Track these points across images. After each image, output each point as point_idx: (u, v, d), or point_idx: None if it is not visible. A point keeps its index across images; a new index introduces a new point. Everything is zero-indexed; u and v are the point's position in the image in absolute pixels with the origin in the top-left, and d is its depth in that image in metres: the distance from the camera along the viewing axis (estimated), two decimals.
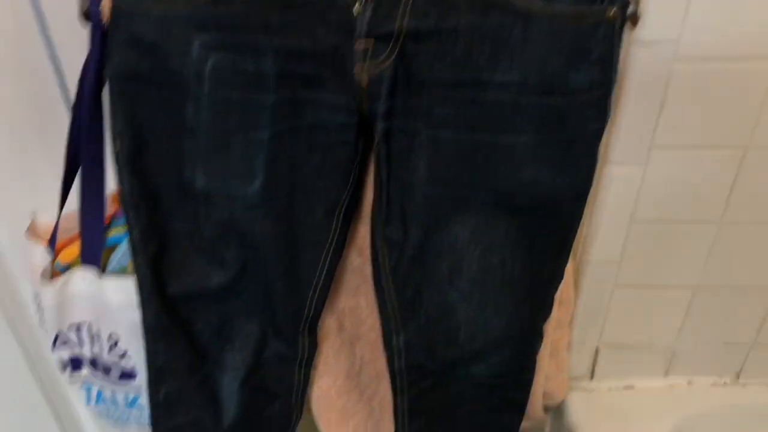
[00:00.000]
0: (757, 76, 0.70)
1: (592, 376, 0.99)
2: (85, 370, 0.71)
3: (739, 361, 0.97)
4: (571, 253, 0.81)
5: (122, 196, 0.61)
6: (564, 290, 0.82)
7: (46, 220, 0.72)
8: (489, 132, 0.59)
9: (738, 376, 0.99)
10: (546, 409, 0.98)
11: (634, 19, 0.57)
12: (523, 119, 0.58)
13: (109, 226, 0.68)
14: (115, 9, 0.56)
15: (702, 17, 0.66)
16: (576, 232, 0.67)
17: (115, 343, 0.68)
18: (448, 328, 0.70)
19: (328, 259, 0.69)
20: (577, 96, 0.57)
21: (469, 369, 0.75)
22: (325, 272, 0.69)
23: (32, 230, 0.70)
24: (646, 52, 0.69)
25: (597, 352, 0.96)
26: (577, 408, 0.97)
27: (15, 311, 0.86)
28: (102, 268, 0.66)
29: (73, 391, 0.93)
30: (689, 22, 0.67)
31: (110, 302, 0.65)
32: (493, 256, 0.67)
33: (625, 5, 0.56)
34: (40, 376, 0.90)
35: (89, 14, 0.58)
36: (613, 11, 0.55)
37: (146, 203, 0.61)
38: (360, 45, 0.57)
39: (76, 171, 0.65)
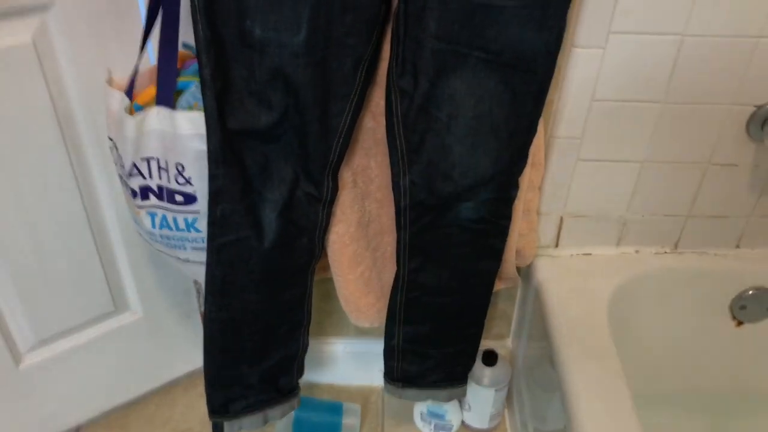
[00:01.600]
0: None
1: (557, 245, 1.18)
2: (153, 199, 0.87)
3: (678, 232, 1.17)
4: (542, 130, 1.00)
5: (197, 41, 0.77)
6: (536, 154, 1.01)
7: (120, 77, 0.88)
8: None
9: (676, 245, 1.19)
10: (518, 270, 1.17)
11: None
12: None
13: (178, 74, 0.83)
14: None
15: None
16: (548, 88, 0.85)
17: (181, 171, 0.84)
18: (446, 167, 0.88)
19: (352, 109, 0.86)
20: None
21: (460, 209, 0.93)
22: (348, 121, 0.87)
23: (109, 82, 0.86)
24: None
25: (561, 221, 1.15)
26: (544, 270, 1.17)
27: (79, 167, 1.02)
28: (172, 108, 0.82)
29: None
30: None
31: (180, 133, 0.82)
32: (483, 106, 0.84)
33: None
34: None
35: None
36: None
37: (215, 48, 0.77)
38: None
39: (153, 25, 0.81)
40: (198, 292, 1.29)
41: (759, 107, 1.01)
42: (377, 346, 1.15)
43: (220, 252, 0.89)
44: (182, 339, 1.34)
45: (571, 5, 0.80)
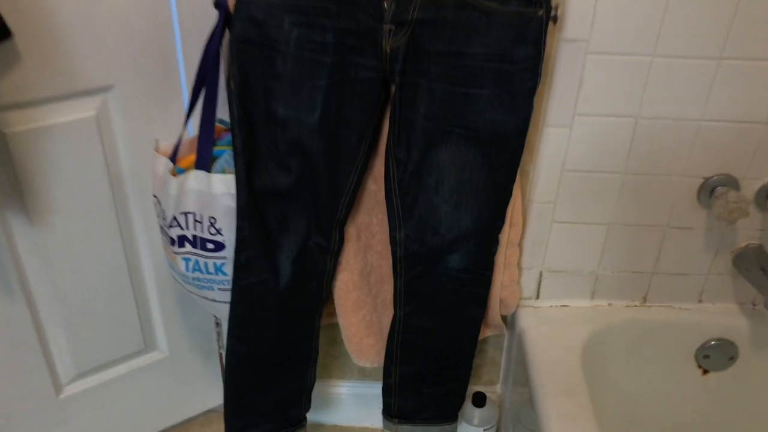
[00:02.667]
0: (640, 66, 1.07)
1: (537, 296, 1.33)
2: (188, 246, 1.04)
3: (645, 287, 1.32)
4: (521, 195, 1.17)
5: (231, 118, 0.96)
6: (514, 215, 1.17)
7: (165, 145, 1.07)
8: (464, 86, 0.95)
9: (645, 299, 1.33)
10: (504, 319, 1.31)
11: (555, 19, 0.94)
12: (485, 78, 0.94)
13: (214, 144, 1.02)
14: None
15: (603, 25, 1.03)
16: (519, 160, 1.03)
17: (213, 223, 1.01)
18: (434, 223, 1.05)
19: (357, 174, 1.03)
20: (519, 64, 0.94)
21: (447, 260, 1.09)
22: (354, 184, 1.04)
23: (156, 149, 1.05)
24: (568, 47, 1.05)
25: (541, 276, 1.31)
26: (526, 319, 1.31)
27: (124, 220, 1.19)
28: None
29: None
30: (595, 29, 1.04)
31: (214, 192, 0.99)
32: (465, 174, 1.02)
33: (549, 9, 0.93)
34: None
35: (218, 4, 0.94)
36: (541, 12, 0.92)
37: (246, 124, 0.96)
38: (386, 27, 0.93)
39: (195, 105, 1.00)
40: (218, 334, 1.44)
41: (706, 179, 1.17)
42: (377, 389, 1.29)
43: (242, 292, 1.05)
44: (201, 378, 1.48)
45: (540, 93, 0.98)
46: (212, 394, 1.52)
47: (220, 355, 1.48)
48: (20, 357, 1.20)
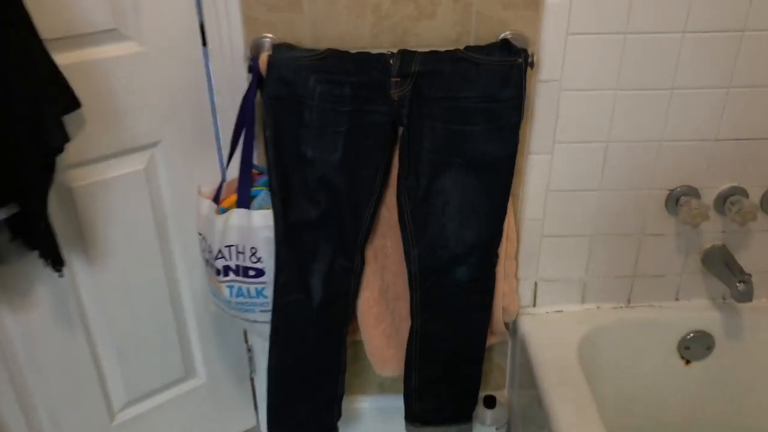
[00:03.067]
0: (606, 99, 1.26)
1: (534, 304, 1.50)
2: (231, 275, 1.21)
3: (628, 290, 1.50)
4: (513, 214, 1.35)
5: (268, 161, 1.14)
6: (509, 231, 1.35)
7: (206, 190, 1.24)
8: (461, 124, 1.14)
9: (629, 301, 1.51)
10: (507, 326, 1.48)
11: (532, 65, 1.14)
12: (478, 116, 1.13)
13: (252, 185, 1.19)
14: (269, 62, 1.11)
15: (572, 67, 1.23)
16: (510, 183, 1.21)
17: (254, 253, 1.18)
18: (443, 240, 1.23)
19: (374, 203, 1.21)
20: (505, 103, 1.13)
21: (456, 272, 1.27)
22: (372, 212, 1.22)
23: (200, 193, 1.22)
24: (545, 86, 1.25)
25: (536, 285, 1.48)
26: (526, 325, 1.48)
27: (167, 258, 1.36)
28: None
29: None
30: (565, 70, 1.23)
31: (254, 226, 1.16)
32: (466, 196, 1.20)
33: (527, 57, 1.13)
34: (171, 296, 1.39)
35: (251, 67, 1.13)
36: (520, 60, 1.12)
37: (280, 166, 1.14)
38: (393, 80, 1.12)
39: (234, 153, 1.18)
40: (250, 359, 1.59)
41: (671, 190, 1.36)
42: (396, 402, 1.44)
43: (281, 310, 1.22)
44: (235, 402, 1.63)
45: (524, 126, 1.18)
46: (246, 418, 1.67)
47: (252, 379, 1.63)
48: (79, 386, 1.35)
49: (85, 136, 1.15)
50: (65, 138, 1.00)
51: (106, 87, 1.14)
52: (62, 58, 1.05)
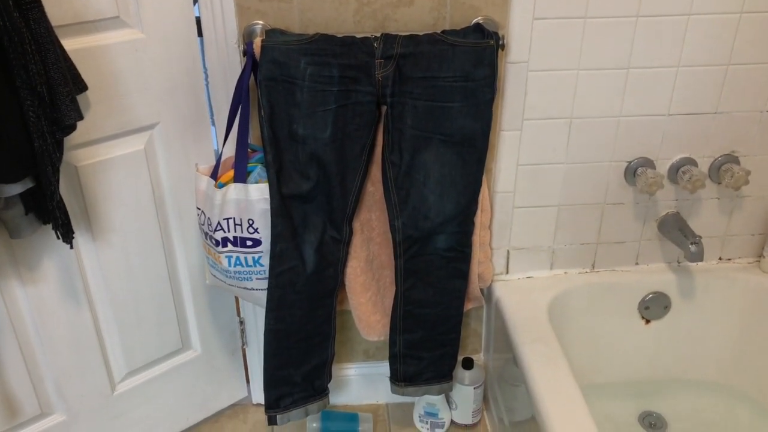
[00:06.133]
0: (569, 79, 1.39)
1: (507, 271, 1.63)
2: (229, 246, 1.30)
3: (592, 256, 1.63)
4: (487, 187, 1.47)
5: (263, 139, 1.23)
6: (484, 202, 1.46)
7: (203, 168, 1.33)
8: (440, 101, 1.25)
9: (593, 266, 1.64)
10: (482, 292, 1.60)
11: (503, 47, 1.25)
12: (455, 94, 1.25)
13: (248, 161, 1.29)
14: (263, 46, 1.20)
15: (538, 49, 1.35)
16: (485, 157, 1.32)
17: (251, 224, 1.28)
18: (424, 210, 1.33)
19: (360, 177, 1.32)
20: (479, 81, 1.24)
21: (436, 240, 1.38)
22: (358, 186, 1.32)
23: (197, 170, 1.31)
24: (514, 68, 1.37)
25: (508, 254, 1.60)
26: (499, 290, 1.60)
27: (165, 234, 1.44)
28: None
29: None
30: (532, 52, 1.35)
31: (251, 199, 1.26)
32: (445, 169, 1.31)
33: (498, 39, 1.24)
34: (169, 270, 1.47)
35: (246, 51, 1.22)
36: (492, 42, 1.23)
37: (274, 143, 1.24)
38: (377, 61, 1.22)
39: (230, 132, 1.27)
40: (242, 332, 1.68)
41: (629, 162, 1.50)
42: (381, 368, 1.55)
43: (278, 278, 1.31)
44: (228, 374, 1.71)
45: (496, 105, 1.29)
46: (238, 389, 1.76)
47: (243, 350, 1.72)
48: (83, 358, 1.42)
49: (91, 117, 1.23)
50: (79, 116, 1.08)
51: (109, 71, 1.22)
52: (69, 44, 1.13)
